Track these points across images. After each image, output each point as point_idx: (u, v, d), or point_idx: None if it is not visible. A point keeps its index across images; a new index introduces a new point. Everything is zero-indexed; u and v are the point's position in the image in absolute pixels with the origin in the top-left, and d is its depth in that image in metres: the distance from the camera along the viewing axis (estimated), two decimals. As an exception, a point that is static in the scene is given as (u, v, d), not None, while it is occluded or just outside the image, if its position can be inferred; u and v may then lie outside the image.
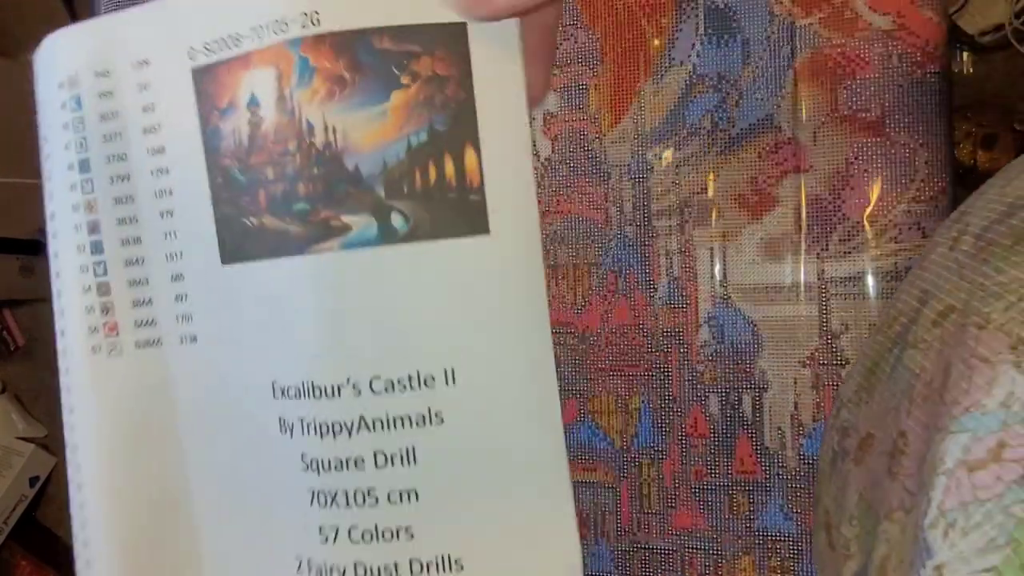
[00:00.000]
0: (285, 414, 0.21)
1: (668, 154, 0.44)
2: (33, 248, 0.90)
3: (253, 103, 0.21)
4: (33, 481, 1.06)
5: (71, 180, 0.23)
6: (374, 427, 0.20)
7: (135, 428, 0.23)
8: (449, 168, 0.20)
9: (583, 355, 0.45)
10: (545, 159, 0.46)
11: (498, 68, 0.20)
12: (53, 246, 0.24)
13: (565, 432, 0.22)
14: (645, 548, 0.44)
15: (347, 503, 0.21)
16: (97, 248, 0.23)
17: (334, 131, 0.20)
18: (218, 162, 0.21)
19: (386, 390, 0.20)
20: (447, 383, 0.20)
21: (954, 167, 0.40)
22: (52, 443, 1.05)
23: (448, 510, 0.21)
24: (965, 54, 0.53)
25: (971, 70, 0.53)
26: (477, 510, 0.21)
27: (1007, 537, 0.18)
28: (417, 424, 0.20)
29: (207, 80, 0.21)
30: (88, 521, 0.24)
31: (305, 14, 0.20)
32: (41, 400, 1.09)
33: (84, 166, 0.23)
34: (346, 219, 0.20)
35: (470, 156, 0.20)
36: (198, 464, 0.23)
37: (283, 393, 0.21)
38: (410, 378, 0.20)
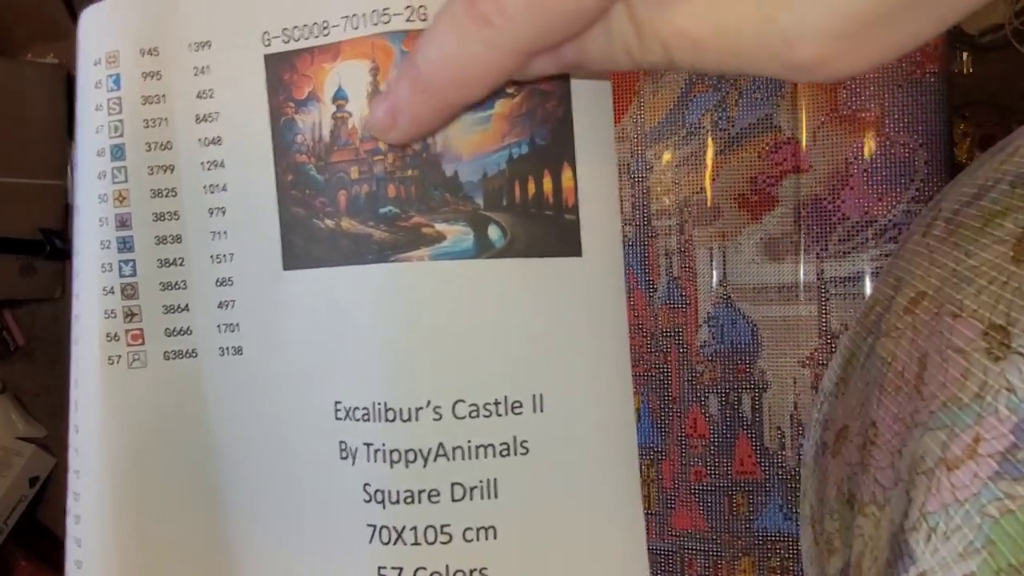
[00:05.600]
0: (348, 438, 0.19)
1: (667, 154, 0.44)
2: (33, 248, 0.90)
3: (340, 96, 0.19)
4: (33, 481, 1.05)
5: (100, 167, 0.21)
6: (454, 456, 0.18)
7: (153, 454, 0.21)
8: (548, 185, 0.19)
9: (583, 355, 0.45)
10: (545, 159, 0.46)
11: (593, 90, 0.19)
12: (76, 242, 0.22)
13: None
14: (645, 548, 0.44)
15: (415, 541, 0.19)
16: (125, 245, 0.21)
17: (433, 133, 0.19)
18: (290, 158, 0.20)
19: (470, 415, 0.18)
20: (535, 410, 0.19)
21: (953, 167, 0.40)
22: (52, 443, 1.05)
23: (526, 549, 0.19)
24: (965, 54, 0.53)
25: (971, 70, 0.53)
26: (555, 549, 0.19)
27: (984, 539, 0.17)
28: (501, 454, 0.19)
29: (283, 68, 0.19)
30: (84, 561, 0.21)
31: (410, 7, 0.18)
32: (41, 400, 1.09)
33: (117, 152, 0.21)
34: (440, 227, 0.19)
35: (567, 175, 0.19)
36: (235, 496, 0.21)
37: (348, 415, 0.19)
38: (497, 403, 0.19)
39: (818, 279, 0.41)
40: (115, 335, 0.21)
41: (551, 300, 0.19)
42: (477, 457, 0.19)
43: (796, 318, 0.41)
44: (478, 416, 0.19)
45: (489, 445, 0.19)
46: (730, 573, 0.43)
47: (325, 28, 0.19)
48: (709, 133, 0.43)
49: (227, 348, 0.21)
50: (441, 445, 0.18)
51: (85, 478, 0.21)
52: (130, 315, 0.21)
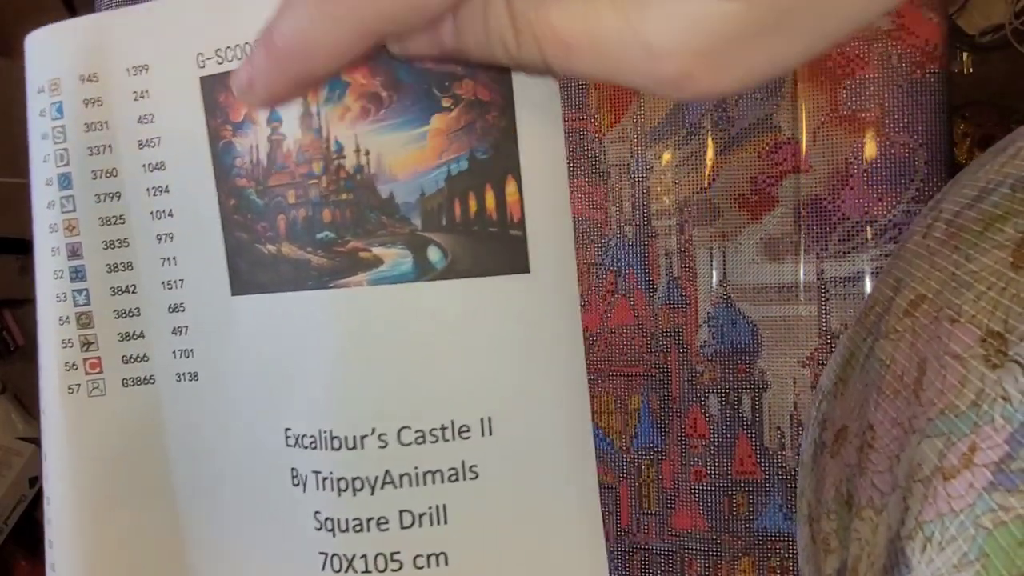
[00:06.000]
0: (298, 465, 0.19)
1: (667, 154, 0.44)
2: (33, 248, 0.90)
3: (274, 118, 0.19)
4: (33, 481, 1.05)
5: (48, 197, 0.21)
6: (401, 483, 0.18)
7: (116, 480, 0.21)
8: (490, 200, 0.18)
9: (583, 355, 0.45)
10: (545, 159, 0.46)
11: (539, 98, 0.18)
12: (36, 272, 0.22)
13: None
14: (645, 549, 0.44)
15: (366, 569, 0.18)
16: (77, 274, 0.21)
17: (367, 154, 0.18)
18: (230, 182, 0.19)
19: (416, 442, 0.18)
20: (483, 434, 0.18)
21: (953, 167, 0.40)
22: (52, 443, 1.05)
23: (478, 575, 0.19)
24: (965, 54, 0.53)
25: (971, 70, 0.53)
26: (508, 574, 0.19)
27: (978, 551, 0.17)
28: (449, 479, 0.18)
29: (219, 90, 0.19)
30: None
31: None
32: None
33: (64, 181, 0.21)
34: (377, 251, 0.18)
35: (511, 188, 0.18)
36: (195, 520, 0.21)
37: (297, 442, 0.19)
38: (443, 428, 0.18)
39: (818, 279, 0.41)
40: (73, 364, 0.21)
41: (497, 320, 0.19)
42: (425, 484, 0.18)
43: (796, 318, 0.41)
44: (424, 442, 0.18)
45: (437, 471, 0.18)
46: (730, 573, 0.43)
47: None
48: (709, 133, 0.43)
49: (183, 374, 0.21)
50: (387, 472, 0.18)
51: (55, 504, 0.21)
52: (87, 344, 0.21)
